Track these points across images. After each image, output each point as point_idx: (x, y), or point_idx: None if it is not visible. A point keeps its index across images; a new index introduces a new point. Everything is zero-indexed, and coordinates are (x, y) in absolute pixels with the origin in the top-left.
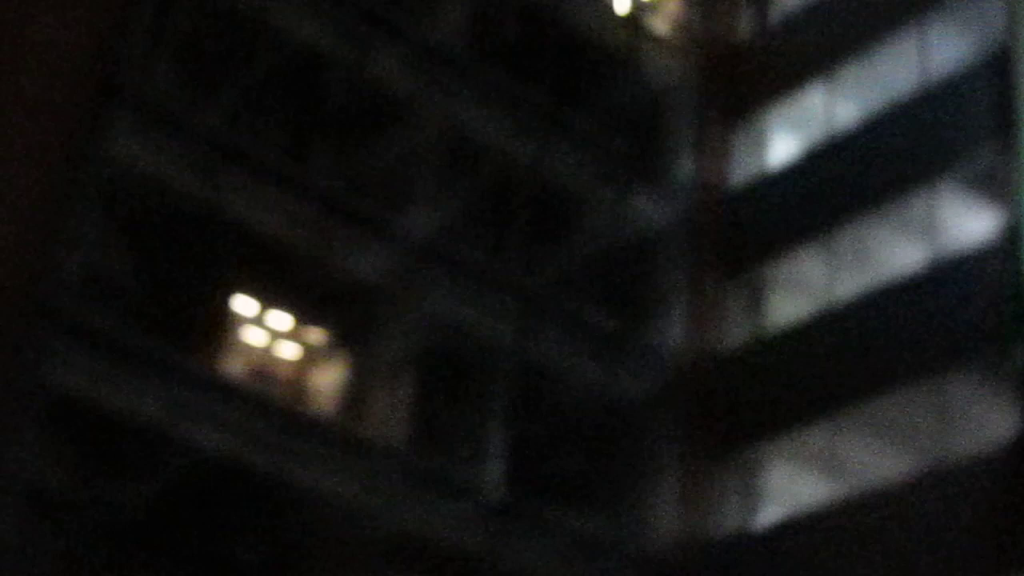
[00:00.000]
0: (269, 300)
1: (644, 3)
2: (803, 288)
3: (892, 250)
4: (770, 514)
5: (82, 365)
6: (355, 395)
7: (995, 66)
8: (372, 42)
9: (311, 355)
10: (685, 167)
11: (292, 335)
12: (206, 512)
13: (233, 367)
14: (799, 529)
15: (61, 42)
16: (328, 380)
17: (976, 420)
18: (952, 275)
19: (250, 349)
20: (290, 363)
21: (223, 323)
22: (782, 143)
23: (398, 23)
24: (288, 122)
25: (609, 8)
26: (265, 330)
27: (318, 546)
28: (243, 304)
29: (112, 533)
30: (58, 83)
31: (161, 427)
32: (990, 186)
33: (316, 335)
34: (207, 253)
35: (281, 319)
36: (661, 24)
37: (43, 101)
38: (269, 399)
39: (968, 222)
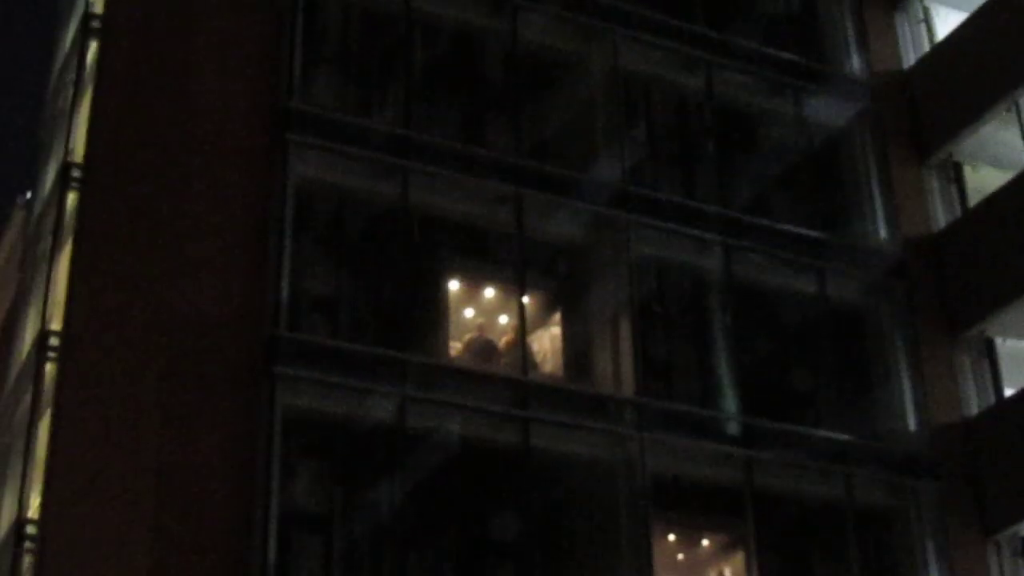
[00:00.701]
0: (479, 279)
1: None
2: (1000, 157)
3: None
4: (1012, 385)
5: (313, 382)
6: (579, 353)
7: None
8: (521, 7)
9: (529, 324)
10: (855, 60)
11: (507, 309)
12: (458, 499)
13: (457, 352)
14: None
15: (229, 82)
16: (551, 344)
17: None
18: None
19: (470, 330)
20: (511, 336)
21: (439, 312)
22: (945, 15)
23: None
24: (458, 104)
25: None
26: (481, 309)
27: (577, 510)
28: (454, 289)
29: (372, 539)
30: (235, 120)
31: (398, 425)
32: None
33: (530, 303)
34: (408, 248)
35: (494, 295)
36: None
37: (227, 143)
38: (497, 375)
39: None
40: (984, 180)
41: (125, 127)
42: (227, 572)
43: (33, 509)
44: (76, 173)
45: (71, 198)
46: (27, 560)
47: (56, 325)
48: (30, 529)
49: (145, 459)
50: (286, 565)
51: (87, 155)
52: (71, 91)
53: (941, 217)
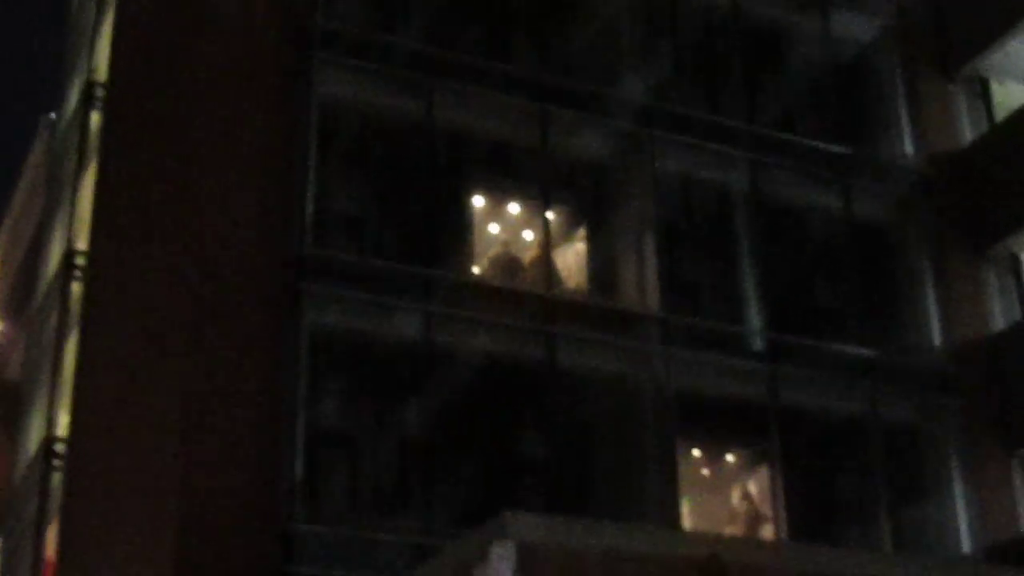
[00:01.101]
0: (504, 196)
1: None
2: None
3: None
4: None
5: (339, 299)
6: (604, 270)
7: None
8: None
9: (554, 240)
10: None
11: (532, 225)
12: (485, 416)
13: (482, 268)
14: None
15: (253, 4)
16: (575, 260)
17: None
18: None
19: (495, 247)
20: (536, 252)
21: (464, 228)
22: None
23: None
24: (482, 22)
25: None
26: (506, 225)
27: (602, 425)
28: (479, 206)
29: (398, 455)
30: (258, 38)
31: (424, 341)
32: None
33: (555, 219)
34: (433, 165)
35: (519, 212)
36: None
37: (251, 63)
38: (522, 291)
39: None
40: (1011, 96)
41: (148, 46)
42: (255, 490)
43: (62, 427)
44: (99, 92)
45: (95, 117)
46: (56, 478)
47: (82, 244)
48: (59, 447)
49: (172, 379)
50: (314, 482)
51: (111, 75)
52: (94, 10)
53: (967, 133)
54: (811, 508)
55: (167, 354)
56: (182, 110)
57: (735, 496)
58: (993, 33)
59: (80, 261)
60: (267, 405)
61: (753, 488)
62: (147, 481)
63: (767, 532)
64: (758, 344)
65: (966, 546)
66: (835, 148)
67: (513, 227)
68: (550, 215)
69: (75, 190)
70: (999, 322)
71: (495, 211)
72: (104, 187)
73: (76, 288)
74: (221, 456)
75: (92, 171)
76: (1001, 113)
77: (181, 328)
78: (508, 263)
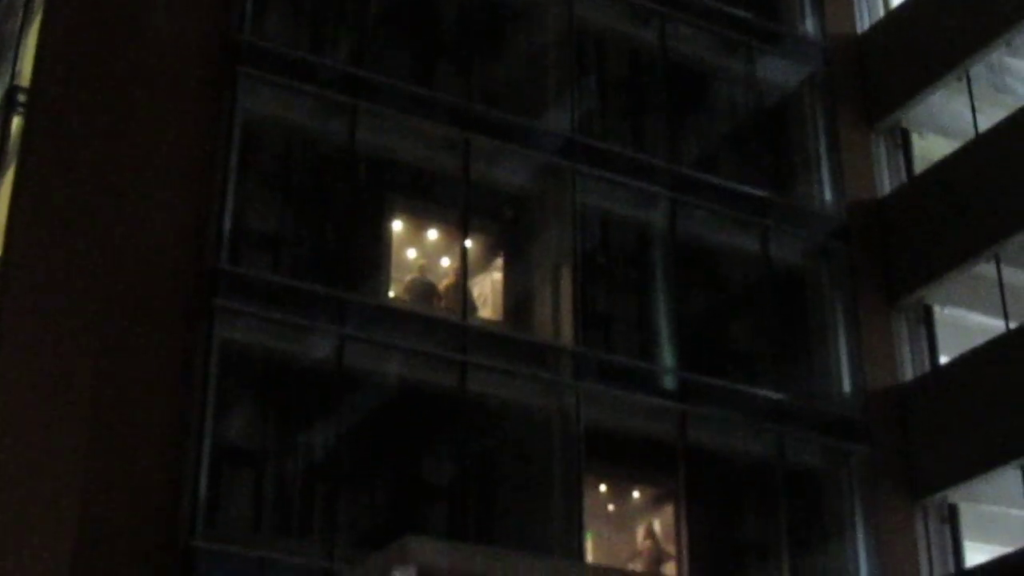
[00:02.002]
0: (423, 221)
1: None
2: (948, 126)
3: None
4: (948, 353)
5: (252, 316)
6: (520, 300)
7: None
8: None
9: (471, 268)
10: (810, 22)
11: (449, 252)
12: (393, 441)
13: (398, 292)
14: (978, 364)
15: (181, 13)
16: (491, 289)
17: None
18: None
19: (411, 271)
20: (452, 279)
21: (381, 252)
22: None
23: None
24: (410, 48)
25: None
26: (423, 251)
27: (510, 456)
28: (398, 230)
29: (305, 477)
30: (185, 51)
31: (335, 364)
32: None
33: (473, 247)
34: (354, 187)
35: (437, 238)
36: None
37: (176, 74)
38: (437, 318)
39: None
40: (931, 148)
41: (74, 53)
42: (158, 504)
43: None
44: (22, 97)
45: (16, 122)
46: None
47: None
48: None
49: (78, 388)
50: (217, 500)
51: (34, 80)
52: (20, 14)
53: (886, 183)
54: (715, 548)
55: (75, 363)
56: (104, 119)
57: (640, 533)
58: (916, 86)
59: None
60: (174, 419)
61: (658, 526)
62: (47, 490)
63: (670, 571)
64: (669, 382)
65: None
66: (755, 191)
67: (431, 253)
68: (468, 243)
69: None
70: (908, 372)
71: (413, 236)
72: (22, 193)
73: None
74: (124, 469)
75: (10, 176)
76: (920, 165)
77: (91, 336)
78: (424, 289)
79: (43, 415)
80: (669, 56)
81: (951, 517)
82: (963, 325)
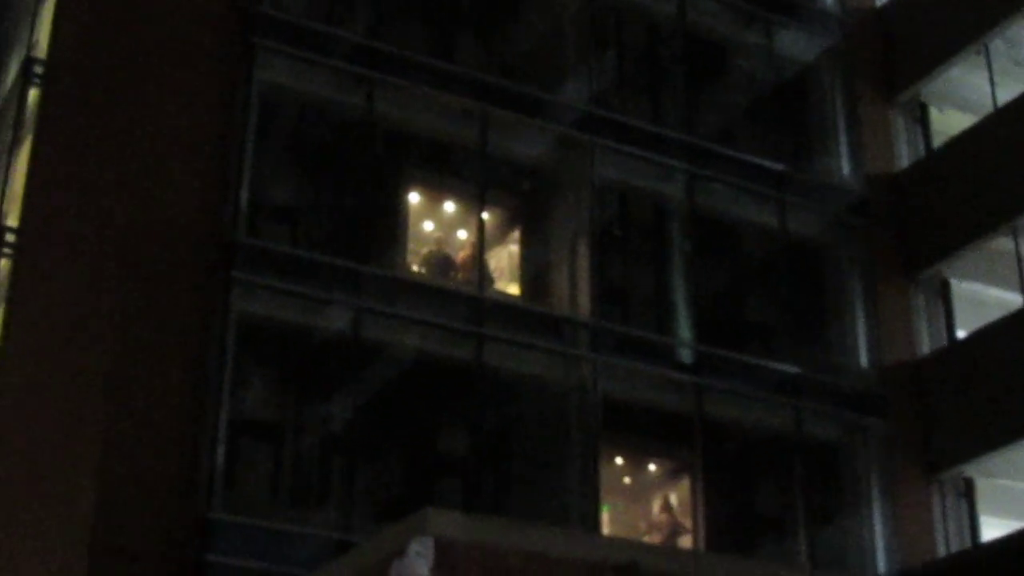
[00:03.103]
0: (440, 193)
1: None
2: (967, 100)
3: None
4: (965, 328)
5: (269, 289)
6: (537, 273)
7: None
8: None
9: (488, 241)
10: None
11: (467, 224)
12: (410, 413)
13: (414, 265)
14: (995, 339)
15: None
16: (508, 262)
17: None
18: None
19: (428, 244)
20: (469, 251)
21: (398, 224)
22: None
23: None
24: (428, 20)
25: None
26: (440, 223)
27: (527, 429)
28: (415, 203)
29: (322, 449)
30: (202, 22)
31: (352, 336)
32: None
33: (490, 220)
34: (371, 160)
35: (454, 210)
36: None
37: (193, 46)
38: (454, 290)
39: None
40: (949, 122)
41: (90, 25)
42: (175, 476)
43: None
44: (38, 69)
45: (32, 94)
46: None
47: (13, 221)
48: None
49: (95, 359)
50: (234, 471)
51: (50, 52)
52: None
53: (904, 157)
54: (731, 521)
55: (92, 336)
56: (121, 91)
57: (656, 506)
58: (935, 60)
59: (10, 238)
60: (191, 391)
61: (674, 499)
62: (65, 462)
63: (686, 544)
64: (686, 356)
65: (882, 566)
66: (773, 165)
67: (448, 226)
68: (485, 215)
69: (9, 165)
70: (926, 346)
71: (431, 209)
72: (38, 164)
73: (4, 264)
74: (142, 441)
75: (27, 147)
76: (939, 140)
77: (108, 309)
78: (441, 261)
79: (60, 389)
80: (688, 29)
81: (967, 491)
82: (980, 299)
